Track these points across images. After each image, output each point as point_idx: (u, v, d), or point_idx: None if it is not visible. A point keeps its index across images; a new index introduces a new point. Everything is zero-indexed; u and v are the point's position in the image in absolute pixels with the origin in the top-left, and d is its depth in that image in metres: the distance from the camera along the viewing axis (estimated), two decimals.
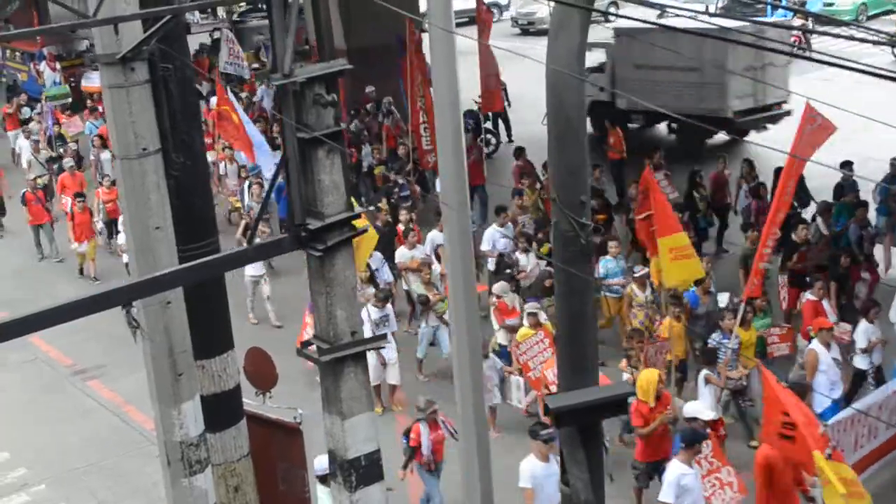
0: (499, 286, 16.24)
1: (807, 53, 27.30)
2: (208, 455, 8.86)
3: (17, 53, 36.23)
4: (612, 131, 24.18)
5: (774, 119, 25.14)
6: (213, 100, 25.31)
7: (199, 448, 8.62)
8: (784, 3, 31.19)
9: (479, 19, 25.26)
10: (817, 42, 31.10)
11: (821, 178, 20.01)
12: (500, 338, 15.80)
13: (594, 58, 26.41)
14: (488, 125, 27.48)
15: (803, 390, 12.78)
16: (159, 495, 9.69)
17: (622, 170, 23.76)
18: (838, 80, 23.88)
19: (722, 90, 24.29)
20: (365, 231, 9.28)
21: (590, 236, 7.82)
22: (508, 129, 28.58)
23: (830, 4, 36.72)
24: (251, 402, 10.05)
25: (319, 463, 10.80)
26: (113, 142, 8.16)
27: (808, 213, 19.78)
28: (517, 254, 17.82)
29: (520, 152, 22.92)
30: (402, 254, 18.07)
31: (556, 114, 7.63)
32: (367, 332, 14.80)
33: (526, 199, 20.17)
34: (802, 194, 19.78)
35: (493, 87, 25.12)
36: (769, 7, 32.02)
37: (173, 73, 8.28)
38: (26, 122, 29.48)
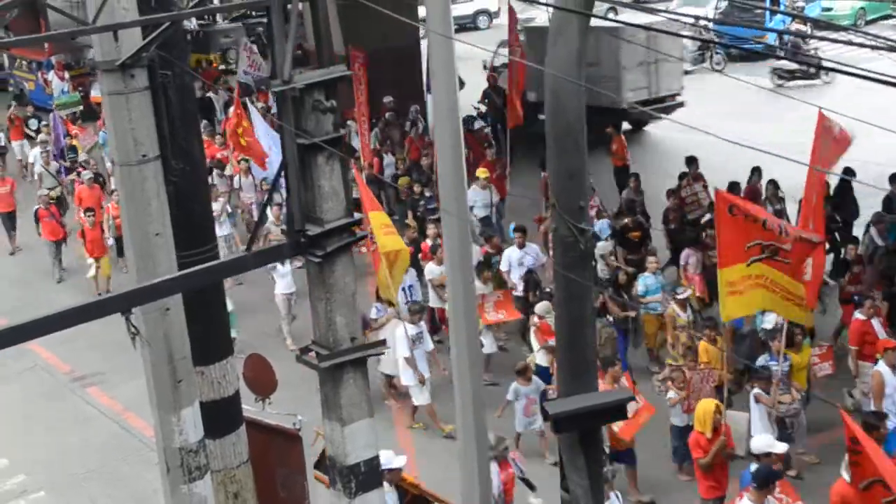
0: (542, 306, 15.44)
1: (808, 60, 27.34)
2: (208, 461, 8.86)
3: (25, 62, 35.59)
4: (616, 137, 23.83)
5: (668, 110, 26.53)
6: (231, 109, 24.83)
7: (198, 454, 8.62)
8: (782, 8, 31.20)
9: (511, 33, 24.27)
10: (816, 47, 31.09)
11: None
12: (540, 358, 15.26)
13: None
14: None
15: (879, 420, 12.19)
16: (159, 502, 9.67)
17: (624, 177, 23.45)
18: (838, 86, 23.97)
19: (617, 83, 25.65)
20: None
21: (589, 241, 7.83)
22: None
23: (829, 9, 36.73)
24: (251, 408, 10.05)
25: (381, 457, 10.83)
26: (112, 148, 8.17)
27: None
28: None
29: (489, 146, 22.50)
30: (431, 270, 17.39)
31: (555, 119, 7.64)
32: (405, 351, 14.87)
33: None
34: (852, 207, 19.49)
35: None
36: (767, 13, 32.06)
37: (172, 79, 8.29)
38: (35, 132, 28.73)
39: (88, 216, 21.00)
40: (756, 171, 20.03)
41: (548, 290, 16.40)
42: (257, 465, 9.80)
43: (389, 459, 11.10)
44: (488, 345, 16.19)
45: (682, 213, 19.72)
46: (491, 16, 45.04)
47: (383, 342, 9.38)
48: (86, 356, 17.88)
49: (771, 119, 25.30)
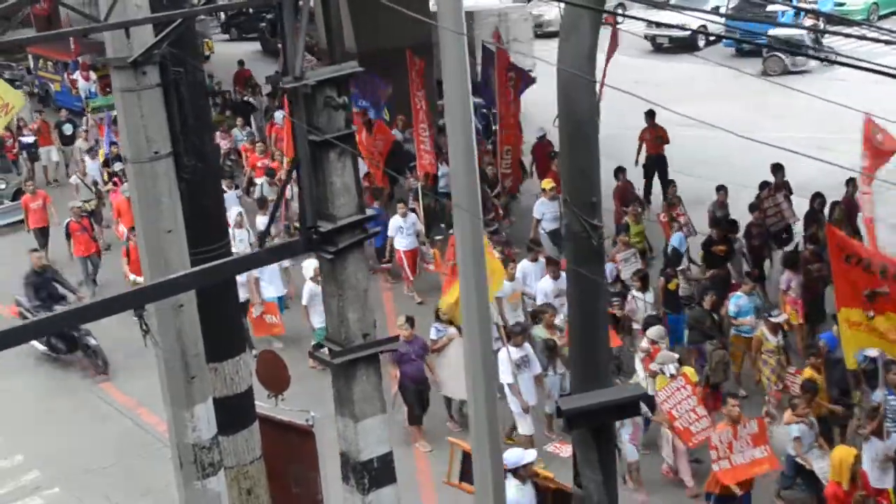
0: (655, 331, 14.08)
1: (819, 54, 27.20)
2: (221, 457, 8.88)
3: (50, 62, 34.27)
4: (651, 123, 22.26)
5: None
6: (278, 114, 24.29)
7: (211, 450, 8.64)
8: (795, 3, 31.08)
9: (612, 40, 21.46)
10: (829, 42, 31.04)
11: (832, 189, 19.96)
12: (648, 387, 13.61)
13: None
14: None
15: None
16: (172, 498, 9.69)
17: (655, 166, 22.45)
18: (850, 80, 23.85)
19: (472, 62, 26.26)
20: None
21: (601, 237, 7.82)
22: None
23: (842, 4, 36.59)
24: (264, 404, 10.05)
25: (512, 455, 10.83)
26: (124, 145, 8.18)
27: None
28: (633, 293, 16.04)
29: (620, 172, 20.49)
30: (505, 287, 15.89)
31: (567, 116, 7.64)
32: (508, 377, 13.67)
33: (632, 229, 18.36)
34: None
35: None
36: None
37: (184, 76, 8.30)
38: (70, 139, 27.46)
39: (134, 234, 19.49)
40: (850, 183, 18.32)
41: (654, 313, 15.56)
42: (270, 461, 9.81)
43: (521, 456, 10.99)
44: None
45: (766, 228, 18.49)
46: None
47: (396, 338, 9.34)
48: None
49: (783, 113, 25.27)
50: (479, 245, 9.79)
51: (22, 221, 22.81)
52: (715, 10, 31.14)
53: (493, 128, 24.26)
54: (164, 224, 8.02)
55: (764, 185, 19.20)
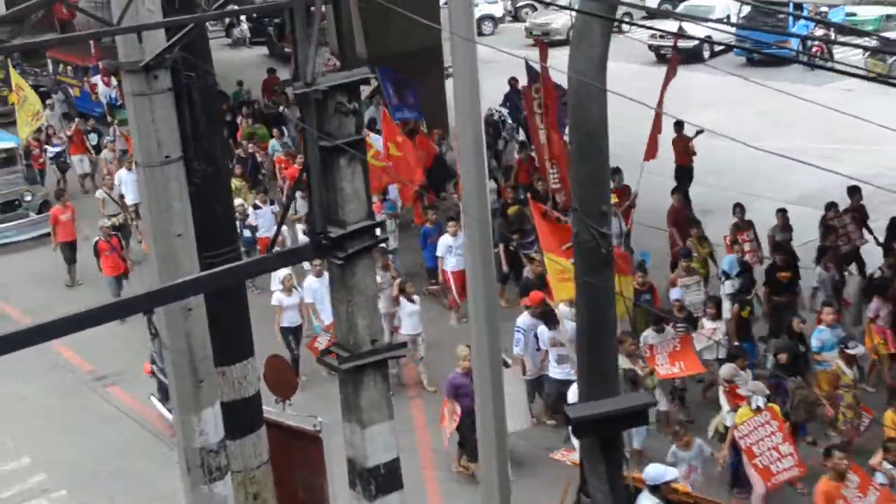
0: (727, 370, 13.42)
1: (828, 64, 27.18)
2: (228, 462, 8.88)
3: (70, 67, 33.39)
4: (679, 134, 21.68)
5: None
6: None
7: (218, 455, 8.64)
8: (806, 14, 31.05)
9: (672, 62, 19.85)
10: (839, 52, 30.99)
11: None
12: (730, 420, 13.15)
13: None
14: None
15: None
16: (179, 502, 9.70)
17: (684, 178, 21.77)
18: (859, 91, 23.87)
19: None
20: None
21: (610, 246, 7.82)
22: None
23: (853, 15, 36.56)
24: (272, 409, 10.06)
25: (653, 471, 10.59)
26: (135, 149, 8.20)
27: None
28: (704, 320, 15.27)
29: (675, 192, 19.31)
30: (564, 312, 14.88)
31: (577, 124, 7.64)
32: None
33: (696, 255, 17.37)
34: None
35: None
36: (791, 17, 31.94)
37: (196, 81, 8.32)
38: (95, 149, 26.88)
39: None
40: (856, 191, 18.08)
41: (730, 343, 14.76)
42: (277, 466, 9.81)
43: (662, 473, 10.66)
44: (663, 402, 14.62)
45: (837, 251, 17.44)
46: (496, 21, 44.52)
47: (404, 345, 9.35)
48: (108, 356, 17.94)
49: (790, 122, 25.24)
50: (488, 252, 9.81)
51: (49, 235, 22.00)
52: (726, 20, 31.19)
53: (519, 140, 24.11)
54: (175, 228, 8.03)
55: (830, 206, 18.28)
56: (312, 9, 7.24)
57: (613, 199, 16.97)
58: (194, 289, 7.74)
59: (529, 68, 20.53)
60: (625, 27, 30.46)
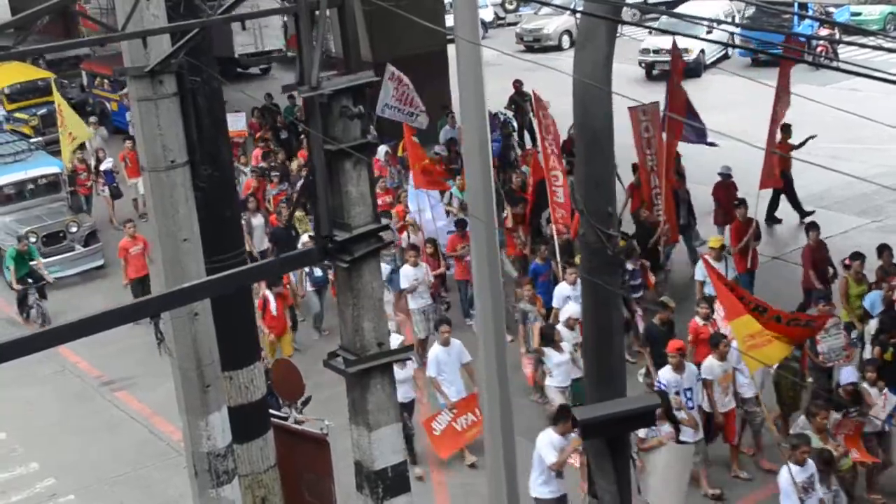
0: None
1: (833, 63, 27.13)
2: (235, 466, 8.89)
3: (106, 80, 30.64)
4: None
5: (270, 61, 36.96)
6: (382, 150, 22.25)
7: (226, 459, 8.66)
8: (811, 13, 31.02)
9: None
10: (845, 52, 30.96)
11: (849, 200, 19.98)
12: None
13: None
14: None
15: None
16: None
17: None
18: (866, 90, 23.83)
19: (229, 37, 33.98)
20: None
21: (616, 247, 7.82)
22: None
23: (858, 14, 36.52)
24: (282, 413, 10.07)
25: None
26: (141, 154, 8.22)
27: None
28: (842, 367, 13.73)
29: (811, 229, 16.80)
30: (711, 367, 13.15)
31: (582, 126, 7.64)
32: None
33: (852, 290, 15.36)
34: None
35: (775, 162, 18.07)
36: (796, 17, 31.89)
37: (201, 85, 8.34)
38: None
39: (275, 287, 16.32)
40: None
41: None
42: (284, 469, 9.82)
43: None
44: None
45: None
46: (486, 26, 44.07)
47: (410, 348, 9.33)
48: (115, 360, 17.95)
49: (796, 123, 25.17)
50: (494, 256, 9.78)
51: (98, 269, 21.31)
52: (730, 22, 31.12)
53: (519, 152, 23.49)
54: (181, 233, 8.05)
55: None
56: (317, 13, 7.25)
57: (720, 242, 16.25)
58: (201, 293, 7.75)
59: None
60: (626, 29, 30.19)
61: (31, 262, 19.63)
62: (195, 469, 8.64)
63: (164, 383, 13.97)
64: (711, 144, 18.85)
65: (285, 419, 10.71)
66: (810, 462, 11.15)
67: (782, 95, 16.90)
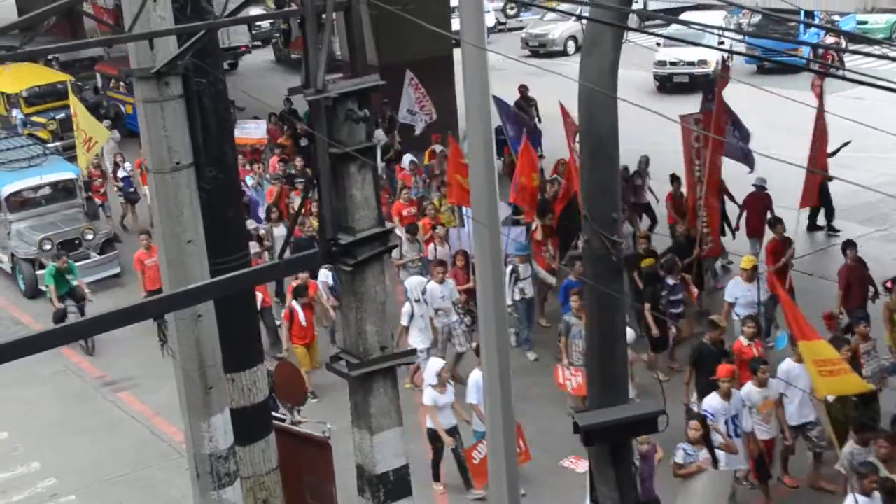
0: None
1: (839, 72, 27.09)
2: (237, 468, 8.89)
3: (122, 83, 30.08)
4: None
5: (237, 56, 37.45)
6: (407, 158, 21.98)
7: (228, 461, 8.65)
8: (817, 22, 31.01)
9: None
10: (850, 60, 30.93)
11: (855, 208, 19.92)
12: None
13: None
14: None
15: None
16: None
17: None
18: (871, 99, 23.80)
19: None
20: None
21: (621, 254, 7.81)
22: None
23: (864, 23, 36.51)
24: (285, 416, 10.06)
25: None
26: (147, 156, 8.22)
27: None
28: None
29: (848, 247, 15.85)
30: (750, 394, 12.62)
31: (588, 132, 7.63)
32: None
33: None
34: None
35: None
36: (802, 25, 31.89)
37: (207, 87, 8.34)
38: None
39: (301, 298, 16.08)
40: None
41: None
42: (286, 472, 9.82)
43: None
44: None
45: None
46: (488, 31, 43.87)
47: (413, 352, 9.33)
48: (117, 361, 17.97)
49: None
50: (498, 258, 9.77)
51: (115, 277, 21.01)
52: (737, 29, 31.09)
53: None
54: (185, 235, 8.05)
55: None
56: (324, 17, 7.26)
57: (752, 262, 15.38)
58: (204, 295, 7.75)
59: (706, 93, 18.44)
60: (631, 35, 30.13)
61: (72, 281, 18.91)
62: (197, 471, 8.63)
63: (167, 384, 13.97)
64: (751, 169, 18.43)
65: (283, 420, 10.72)
66: (876, 493, 10.61)
67: (821, 114, 16.53)
